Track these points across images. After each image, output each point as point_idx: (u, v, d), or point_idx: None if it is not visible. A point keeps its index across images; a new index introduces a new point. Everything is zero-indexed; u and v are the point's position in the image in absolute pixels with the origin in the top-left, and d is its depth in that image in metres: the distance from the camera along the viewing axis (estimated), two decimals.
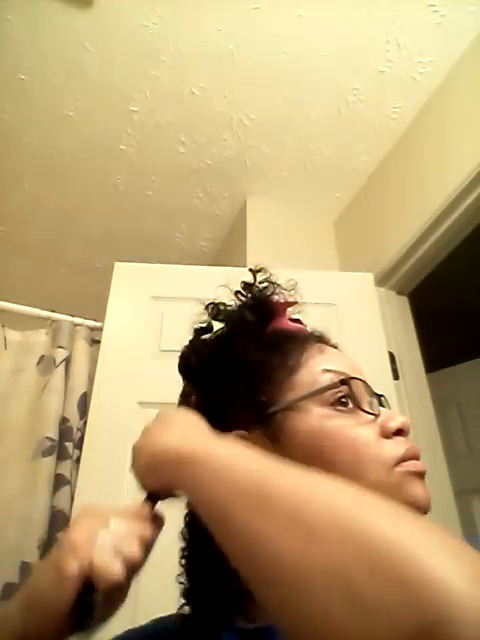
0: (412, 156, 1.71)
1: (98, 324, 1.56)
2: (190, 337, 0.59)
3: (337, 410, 0.49)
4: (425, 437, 1.48)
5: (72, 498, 1.25)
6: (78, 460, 1.30)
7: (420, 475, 0.48)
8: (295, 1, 1.44)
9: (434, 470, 1.44)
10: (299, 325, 0.60)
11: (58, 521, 1.24)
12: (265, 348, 0.54)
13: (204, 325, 0.59)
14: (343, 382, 0.50)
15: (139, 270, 1.60)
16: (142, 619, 0.57)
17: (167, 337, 1.43)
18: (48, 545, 1.21)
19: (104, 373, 1.39)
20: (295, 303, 0.59)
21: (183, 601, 0.53)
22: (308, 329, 0.60)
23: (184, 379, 0.58)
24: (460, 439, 2.34)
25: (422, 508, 0.47)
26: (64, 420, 1.38)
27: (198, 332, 0.59)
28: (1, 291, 1.66)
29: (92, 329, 1.59)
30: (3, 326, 1.54)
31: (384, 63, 1.57)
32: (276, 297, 0.58)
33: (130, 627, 0.56)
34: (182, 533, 0.55)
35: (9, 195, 2.06)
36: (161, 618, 0.57)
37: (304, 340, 0.55)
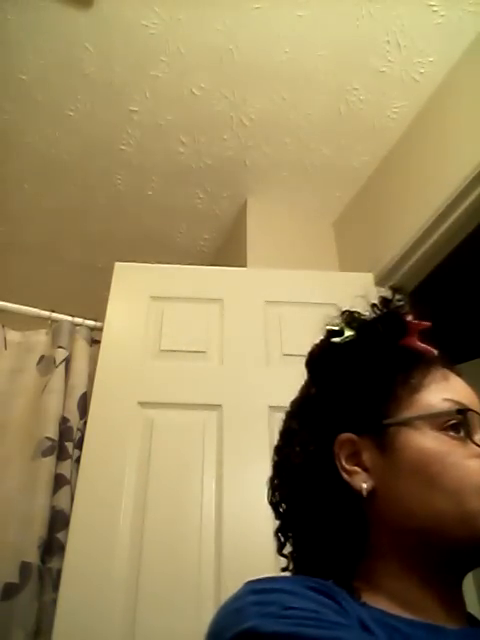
0: (412, 156, 1.71)
1: (98, 324, 1.56)
2: (321, 337, 0.61)
3: (448, 435, 0.51)
4: None
5: (72, 498, 1.25)
6: (78, 460, 1.30)
7: None
8: (295, 1, 1.44)
9: None
10: (427, 347, 0.61)
11: (58, 521, 1.24)
12: (392, 363, 0.57)
13: (336, 328, 0.61)
14: (460, 411, 0.52)
15: (139, 270, 1.60)
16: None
17: (167, 337, 1.43)
18: (48, 545, 1.21)
19: (104, 373, 1.39)
20: (428, 326, 0.61)
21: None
22: (435, 353, 0.61)
23: (310, 374, 0.62)
24: None
25: None
26: (64, 420, 1.38)
27: (330, 334, 0.61)
28: (1, 291, 1.66)
29: (92, 329, 1.59)
30: (3, 326, 1.54)
31: (384, 63, 1.57)
32: (410, 317, 0.60)
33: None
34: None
35: (9, 195, 2.06)
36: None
37: (429, 363, 0.57)
